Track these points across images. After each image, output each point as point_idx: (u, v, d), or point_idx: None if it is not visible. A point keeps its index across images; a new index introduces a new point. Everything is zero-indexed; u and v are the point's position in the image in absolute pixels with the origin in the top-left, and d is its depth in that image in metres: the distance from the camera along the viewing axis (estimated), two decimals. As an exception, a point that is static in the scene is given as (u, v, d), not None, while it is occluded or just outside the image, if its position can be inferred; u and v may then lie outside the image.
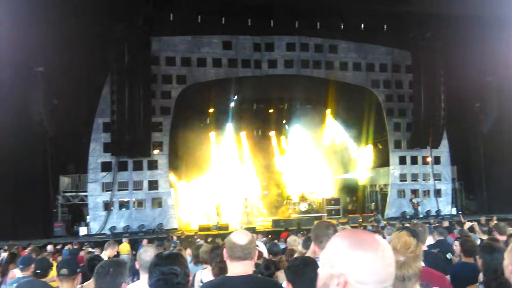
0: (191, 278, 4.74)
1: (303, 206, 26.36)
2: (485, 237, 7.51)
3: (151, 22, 22.75)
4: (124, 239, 17.50)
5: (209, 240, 13.78)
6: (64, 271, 4.27)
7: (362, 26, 24.74)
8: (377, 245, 1.48)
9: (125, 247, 16.91)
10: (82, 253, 13.18)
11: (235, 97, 28.35)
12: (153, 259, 2.79)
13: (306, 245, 5.11)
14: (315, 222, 3.99)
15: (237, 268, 2.96)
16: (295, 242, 7.43)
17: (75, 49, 20.19)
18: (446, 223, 14.89)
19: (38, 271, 5.01)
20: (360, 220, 23.52)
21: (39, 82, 20.39)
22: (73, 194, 23.97)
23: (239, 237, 3.01)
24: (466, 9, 21.23)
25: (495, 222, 11.91)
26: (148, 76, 22.86)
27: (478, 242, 6.71)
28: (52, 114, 21.03)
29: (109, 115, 22.18)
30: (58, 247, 15.51)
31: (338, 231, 3.36)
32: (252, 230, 18.98)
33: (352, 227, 17.04)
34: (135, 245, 16.45)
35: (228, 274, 3.04)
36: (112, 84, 21.93)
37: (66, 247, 15.58)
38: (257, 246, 6.26)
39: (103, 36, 21.54)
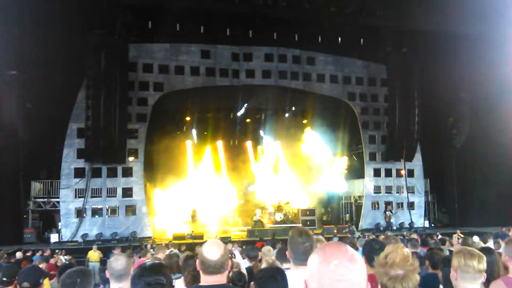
0: None
1: (279, 216, 26.37)
2: (453, 249, 7.66)
3: (130, 29, 22.64)
4: (94, 246, 17.33)
5: (183, 249, 13.64)
6: (25, 284, 4.16)
7: (340, 39, 25.07)
8: (333, 259, 1.56)
9: (94, 255, 16.74)
10: (52, 261, 12.94)
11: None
12: (137, 270, 2.73)
13: (281, 255, 5.11)
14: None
15: (210, 279, 2.94)
16: (269, 252, 7.41)
17: (50, 53, 19.88)
18: (414, 235, 15.09)
19: (4, 279, 4.88)
20: (335, 231, 23.61)
21: (12, 85, 20.02)
22: (45, 200, 23.47)
23: (211, 252, 2.94)
24: (441, 26, 21.77)
25: (461, 236, 12.16)
26: (125, 82, 22.65)
27: (447, 253, 6.85)
28: (25, 118, 20.66)
29: (84, 120, 21.85)
30: (28, 254, 15.16)
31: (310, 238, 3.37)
32: (227, 239, 18.90)
33: (327, 238, 17.15)
34: (107, 253, 16.23)
35: (200, 284, 3.01)
36: (88, 89, 21.64)
37: (37, 254, 15.27)
38: (233, 256, 6.24)
39: (80, 41, 21.28)
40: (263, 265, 4.93)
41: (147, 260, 8.01)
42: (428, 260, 5.45)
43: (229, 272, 3.61)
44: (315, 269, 1.58)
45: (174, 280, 5.07)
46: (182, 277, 4.91)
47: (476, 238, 9.76)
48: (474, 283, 3.10)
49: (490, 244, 8.46)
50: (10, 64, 20.00)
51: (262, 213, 26.21)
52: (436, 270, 5.32)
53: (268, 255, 7.11)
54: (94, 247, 17.25)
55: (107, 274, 3.73)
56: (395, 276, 2.18)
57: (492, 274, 4.24)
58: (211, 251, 2.96)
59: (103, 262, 15.97)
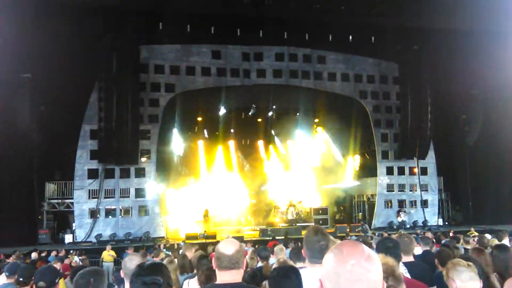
0: None
1: (291, 215, 26.36)
2: (469, 247, 7.61)
3: (140, 30, 22.75)
4: (108, 246, 17.44)
5: (195, 248, 13.70)
6: (41, 284, 4.21)
7: (350, 38, 24.96)
8: (350, 259, 1.53)
9: (108, 255, 16.86)
10: (67, 261, 13.06)
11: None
12: (135, 269, 2.72)
13: (294, 254, 5.12)
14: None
15: (225, 277, 2.97)
16: (281, 251, 7.40)
17: (63, 56, 20.07)
18: (429, 234, 15.03)
19: (21, 279, 4.95)
20: (348, 230, 23.53)
21: (26, 88, 20.24)
22: (59, 201, 23.70)
23: (226, 247, 3.01)
24: (452, 23, 21.57)
25: (476, 234, 12.08)
26: (136, 84, 22.79)
27: (463, 252, 6.82)
28: (38, 121, 20.87)
29: (97, 122, 22.04)
30: (43, 254, 15.32)
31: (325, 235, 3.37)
32: (240, 239, 18.92)
33: (339, 237, 17.12)
34: (120, 253, 16.36)
35: (216, 282, 3.04)
36: (100, 91, 21.82)
37: (53, 254, 15.43)
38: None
39: (92, 44, 21.46)
40: (275, 264, 4.93)
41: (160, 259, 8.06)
42: (437, 258, 5.44)
43: (244, 271, 3.61)
44: (331, 269, 1.54)
45: (187, 281, 5.11)
46: (196, 277, 4.94)
47: (488, 236, 9.68)
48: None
49: (506, 241, 8.37)
50: (24, 67, 20.21)
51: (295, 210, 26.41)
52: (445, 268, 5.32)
53: (281, 254, 7.11)
54: (108, 247, 17.36)
55: (122, 274, 3.76)
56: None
57: (507, 271, 4.22)
58: (227, 246, 3.03)
59: (117, 262, 16.08)
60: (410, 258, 4.60)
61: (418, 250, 7.08)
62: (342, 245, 1.62)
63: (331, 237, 3.92)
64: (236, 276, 2.98)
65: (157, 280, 2.55)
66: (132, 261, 3.73)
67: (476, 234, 12.80)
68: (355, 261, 1.52)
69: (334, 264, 1.54)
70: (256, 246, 13.46)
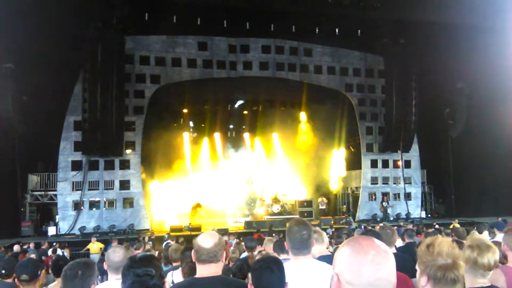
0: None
1: (276, 208, 26.44)
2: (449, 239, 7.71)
3: (126, 21, 22.48)
4: (93, 238, 17.36)
5: (180, 241, 13.70)
6: (24, 277, 4.17)
7: (337, 30, 24.99)
8: (370, 249, 1.61)
9: (94, 247, 16.79)
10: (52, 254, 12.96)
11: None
12: (127, 262, 2.71)
13: (278, 246, 5.14)
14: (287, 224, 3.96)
15: (204, 270, 2.96)
16: (270, 242, 7.46)
17: (46, 46, 19.76)
18: (411, 226, 15.30)
19: (3, 272, 4.89)
20: (332, 222, 23.67)
21: (8, 78, 19.91)
22: (42, 193, 23.45)
23: (205, 240, 3.01)
24: (438, 17, 21.73)
25: (457, 226, 12.27)
26: (121, 75, 22.52)
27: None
28: (21, 111, 20.57)
29: (81, 113, 21.81)
30: (25, 247, 15.15)
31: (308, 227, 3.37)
32: (224, 231, 18.96)
33: (324, 229, 17.22)
34: (105, 246, 16.30)
35: (196, 276, 3.03)
36: (84, 82, 21.54)
37: (31, 246, 15.27)
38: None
39: (76, 34, 21.16)
40: (257, 256, 4.95)
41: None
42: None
43: (228, 263, 3.61)
44: (352, 260, 1.61)
45: (171, 272, 5.10)
46: (180, 268, 4.93)
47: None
48: (484, 279, 3.02)
49: (485, 234, 8.51)
50: (6, 57, 19.88)
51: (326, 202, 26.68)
52: None
53: (269, 244, 7.20)
54: (93, 239, 17.28)
55: (105, 266, 3.75)
56: (445, 265, 2.11)
57: None
58: (205, 239, 3.03)
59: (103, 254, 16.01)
60: (393, 250, 4.65)
61: (399, 242, 7.20)
62: (358, 238, 1.73)
63: (314, 228, 3.95)
64: (215, 269, 2.98)
65: (150, 272, 2.55)
66: (115, 253, 3.73)
67: (459, 226, 12.98)
68: (375, 251, 1.61)
69: (355, 255, 1.62)
70: (241, 239, 13.46)
